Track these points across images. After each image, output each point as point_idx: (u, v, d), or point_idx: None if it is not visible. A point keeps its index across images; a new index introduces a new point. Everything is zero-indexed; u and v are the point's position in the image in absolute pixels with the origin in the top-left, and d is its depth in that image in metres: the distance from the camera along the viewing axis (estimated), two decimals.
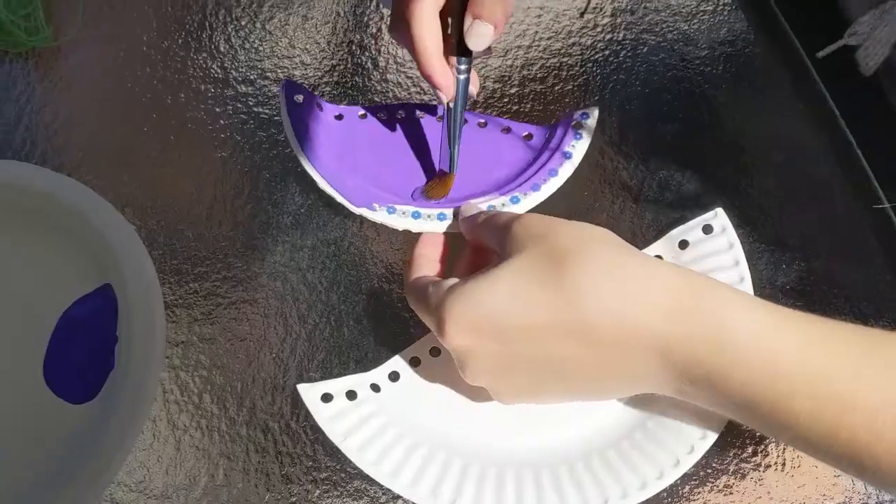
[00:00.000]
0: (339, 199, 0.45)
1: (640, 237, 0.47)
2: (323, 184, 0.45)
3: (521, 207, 0.46)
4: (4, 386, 0.43)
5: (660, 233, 0.46)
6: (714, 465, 0.41)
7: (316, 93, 0.51)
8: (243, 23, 0.54)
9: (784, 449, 0.42)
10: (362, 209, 0.45)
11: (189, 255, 0.47)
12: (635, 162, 0.50)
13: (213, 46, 0.53)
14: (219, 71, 0.52)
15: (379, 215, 0.45)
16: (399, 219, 0.45)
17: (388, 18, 0.43)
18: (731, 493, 0.41)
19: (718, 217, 0.46)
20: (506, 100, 0.52)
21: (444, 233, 0.45)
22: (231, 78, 0.52)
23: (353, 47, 0.54)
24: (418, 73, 0.51)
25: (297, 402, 0.43)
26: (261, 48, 0.53)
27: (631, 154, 0.50)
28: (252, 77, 0.52)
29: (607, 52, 0.53)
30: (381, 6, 0.55)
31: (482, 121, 0.49)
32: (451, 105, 0.44)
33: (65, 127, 0.51)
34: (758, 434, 0.41)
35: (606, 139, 0.50)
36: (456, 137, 0.45)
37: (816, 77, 0.52)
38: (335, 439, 0.40)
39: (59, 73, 0.53)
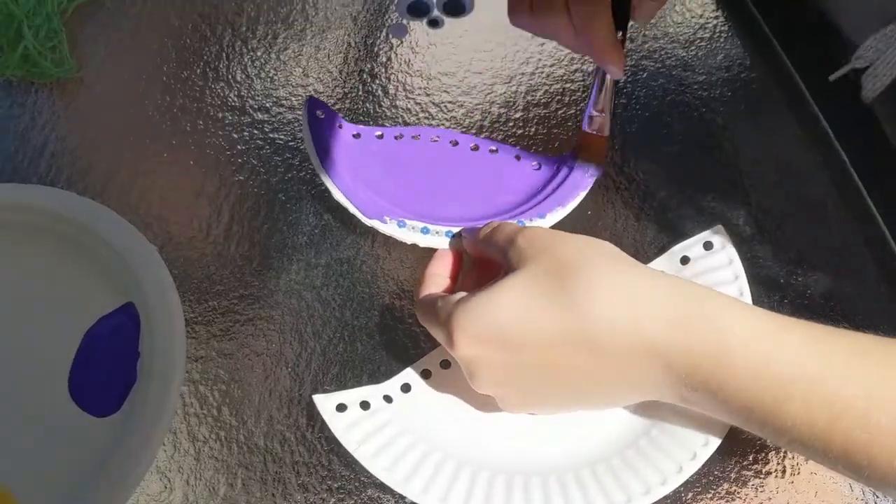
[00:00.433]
0: (352, 209, 0.47)
1: (643, 254, 0.49)
2: (337, 194, 0.47)
3: None
4: (32, 399, 0.45)
5: (661, 249, 0.48)
6: (716, 472, 0.43)
7: None
8: (259, 53, 0.57)
9: (784, 456, 0.43)
10: (374, 221, 0.47)
11: (208, 273, 0.48)
12: (637, 182, 0.51)
13: (230, 76, 0.56)
14: (236, 99, 0.55)
15: (389, 228, 0.47)
16: (408, 233, 0.47)
17: (510, 7, 0.45)
18: (732, 500, 0.42)
19: (718, 234, 0.47)
20: (511, 124, 0.54)
21: (454, 250, 0.46)
22: (248, 106, 0.54)
23: (364, 76, 0.56)
24: (426, 100, 0.54)
25: (312, 414, 0.44)
26: (276, 77, 0.56)
27: (632, 175, 0.52)
28: (268, 105, 0.55)
29: None
30: (390, 36, 0.57)
31: (493, 147, 0.52)
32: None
33: (88, 153, 0.53)
34: (758, 441, 0.43)
35: (609, 161, 0.52)
36: (611, 104, 0.49)
37: (810, 99, 0.54)
38: (349, 447, 0.41)
39: (82, 102, 0.55)
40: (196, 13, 0.59)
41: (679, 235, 0.49)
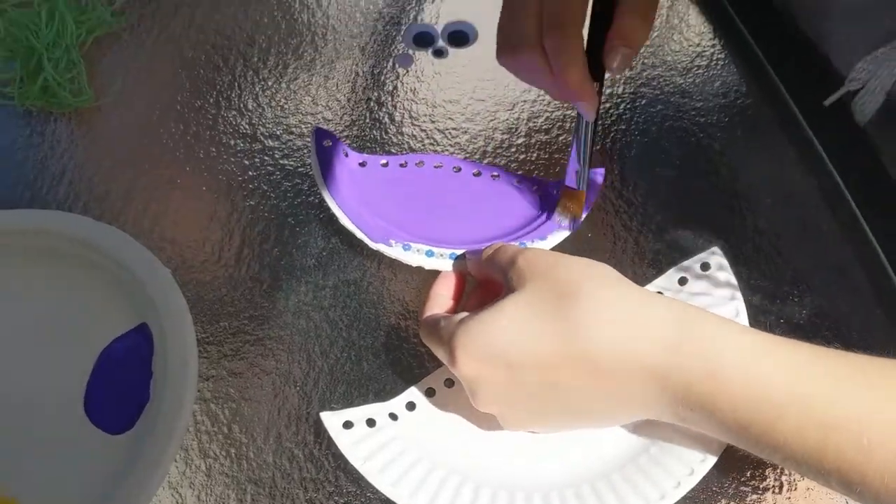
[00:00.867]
0: (359, 234, 0.49)
1: (641, 275, 0.50)
2: (344, 220, 0.49)
3: None
4: (49, 417, 0.46)
5: (660, 271, 0.49)
6: (714, 488, 0.44)
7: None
8: (270, 83, 0.59)
9: (781, 472, 0.44)
10: (379, 245, 0.48)
11: (220, 295, 0.50)
12: (635, 206, 0.53)
13: (241, 105, 0.58)
14: (247, 127, 0.57)
15: (394, 251, 0.48)
16: (413, 255, 0.48)
17: (497, 50, 0.44)
18: None
19: (715, 255, 0.49)
20: (513, 149, 0.55)
21: (458, 272, 0.48)
22: (259, 133, 0.56)
23: (372, 104, 0.58)
24: (431, 127, 0.55)
25: (319, 431, 0.45)
26: (286, 106, 0.58)
27: (631, 198, 0.53)
28: (278, 132, 0.56)
29: (608, 105, 0.57)
30: (396, 66, 0.59)
31: (495, 173, 0.53)
32: (586, 124, 0.46)
33: (105, 179, 0.55)
34: (755, 458, 0.43)
35: (608, 184, 0.53)
36: (588, 156, 0.47)
37: (804, 124, 0.55)
38: (356, 463, 0.42)
39: (100, 130, 0.57)
40: (209, 45, 0.61)
41: (677, 257, 0.50)
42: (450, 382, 0.46)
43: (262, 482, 0.44)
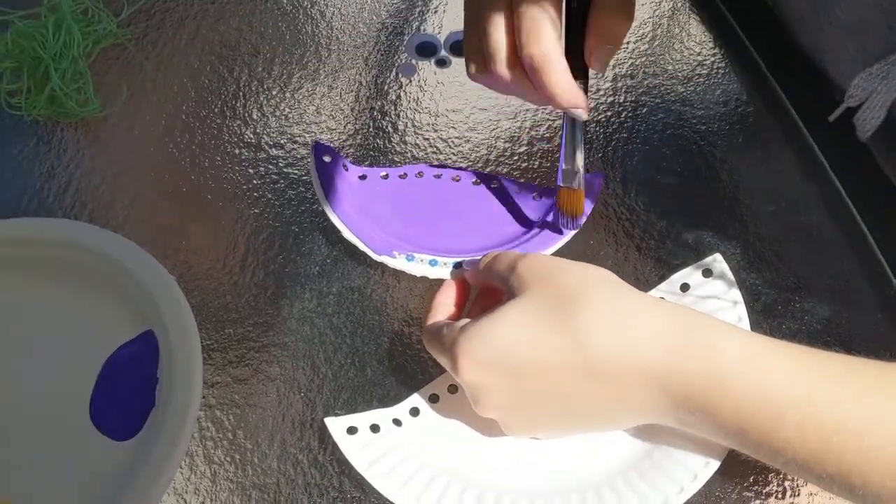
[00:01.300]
0: (362, 247, 0.49)
1: (644, 282, 0.50)
2: (347, 233, 0.49)
3: None
4: (54, 424, 0.46)
5: (662, 277, 0.50)
6: (717, 493, 0.44)
7: (341, 154, 0.55)
8: (274, 92, 0.59)
9: (784, 478, 0.44)
10: (383, 256, 0.49)
11: (224, 302, 0.50)
12: (637, 213, 0.53)
13: (246, 114, 0.58)
14: (252, 136, 0.57)
15: (398, 262, 0.49)
16: (417, 266, 0.49)
17: (466, 66, 0.44)
18: None
19: (717, 262, 0.49)
20: (516, 158, 0.56)
21: (461, 280, 0.48)
22: (263, 142, 0.57)
23: (375, 113, 0.58)
24: (434, 136, 0.56)
25: (323, 437, 0.45)
26: (290, 115, 0.58)
27: (633, 206, 0.53)
28: (282, 141, 0.57)
29: (609, 114, 0.57)
30: (399, 76, 0.60)
31: (495, 182, 0.54)
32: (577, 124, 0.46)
33: (111, 188, 0.55)
34: (758, 463, 0.44)
35: (610, 192, 0.54)
36: (583, 155, 0.47)
37: (805, 131, 0.55)
38: (360, 469, 0.43)
39: (105, 140, 0.58)
40: (214, 55, 0.61)
41: (679, 263, 0.50)
42: (453, 388, 0.46)
43: (267, 488, 0.45)
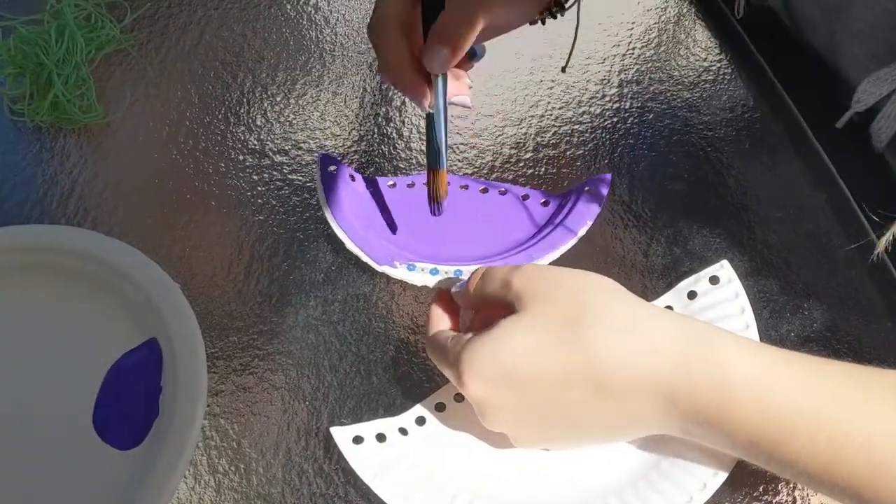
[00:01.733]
0: (364, 258, 0.49)
1: (651, 289, 0.50)
2: (349, 244, 0.49)
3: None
4: (58, 433, 0.46)
5: (669, 285, 0.49)
6: (726, 502, 0.43)
7: (345, 161, 0.55)
8: (278, 99, 0.59)
9: (794, 488, 0.44)
10: (384, 267, 0.49)
11: (229, 310, 0.50)
12: (644, 219, 0.53)
13: (250, 120, 0.58)
14: (256, 143, 0.57)
15: (399, 272, 0.48)
16: (418, 275, 0.48)
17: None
18: None
19: (724, 269, 0.49)
20: (521, 164, 0.56)
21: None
22: (267, 149, 0.57)
23: (380, 119, 0.58)
24: None
25: (329, 446, 0.45)
26: (294, 121, 0.58)
27: (640, 212, 0.53)
28: (287, 148, 0.57)
29: (615, 120, 0.57)
30: None
31: (502, 189, 0.53)
32: (433, 110, 0.45)
33: (114, 195, 0.55)
34: (768, 473, 0.43)
35: (616, 199, 0.53)
36: (443, 139, 0.46)
37: (812, 137, 0.55)
38: (366, 479, 0.42)
39: (109, 146, 0.57)
40: (218, 61, 0.61)
41: (686, 270, 0.50)
42: (460, 397, 0.46)
43: (272, 498, 0.44)
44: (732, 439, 0.38)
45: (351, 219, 0.50)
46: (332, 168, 0.52)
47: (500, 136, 0.57)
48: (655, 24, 0.62)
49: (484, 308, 0.46)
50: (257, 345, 0.49)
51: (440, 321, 0.46)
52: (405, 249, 0.50)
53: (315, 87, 0.60)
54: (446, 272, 0.49)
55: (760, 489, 0.44)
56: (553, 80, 0.59)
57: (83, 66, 0.59)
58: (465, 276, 0.48)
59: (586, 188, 0.52)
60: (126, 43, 0.62)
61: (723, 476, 0.42)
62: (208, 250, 0.52)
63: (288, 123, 0.58)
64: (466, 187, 0.53)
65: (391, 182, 0.54)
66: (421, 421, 0.45)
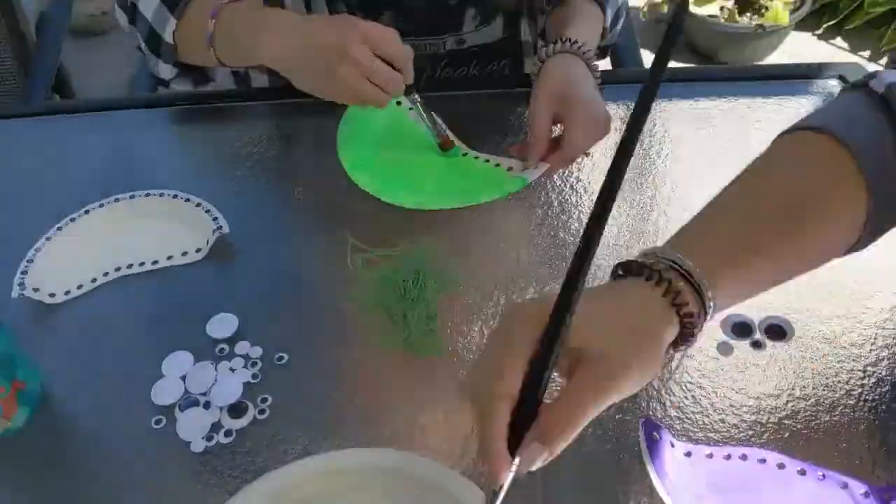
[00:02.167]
0: None
1: None
2: None
3: None
4: None
5: None
6: None
7: (664, 426, 0.59)
8: None
9: None
10: None
11: None
12: None
13: None
14: None
15: None
16: None
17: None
18: None
19: None
20: (834, 453, 0.57)
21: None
22: None
23: (695, 388, 0.62)
24: (751, 419, 0.58)
25: None
26: None
27: None
28: None
29: None
30: (718, 354, 0.63)
31: (821, 473, 0.55)
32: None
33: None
34: None
35: None
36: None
37: None
38: None
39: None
40: None
41: None
42: None
43: None
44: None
45: (676, 482, 0.54)
46: (655, 435, 0.56)
47: (813, 420, 0.59)
48: None
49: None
50: None
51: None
52: None
53: None
54: None
55: None
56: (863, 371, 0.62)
57: (432, 304, 0.67)
58: None
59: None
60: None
61: None
62: None
63: None
64: (783, 466, 0.56)
65: (708, 452, 0.57)
66: None
